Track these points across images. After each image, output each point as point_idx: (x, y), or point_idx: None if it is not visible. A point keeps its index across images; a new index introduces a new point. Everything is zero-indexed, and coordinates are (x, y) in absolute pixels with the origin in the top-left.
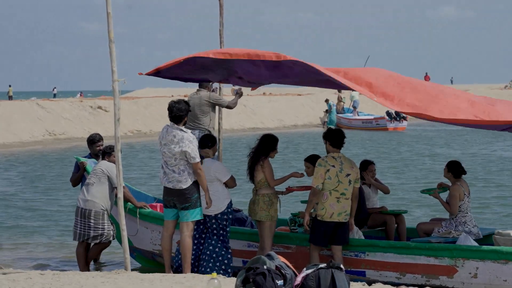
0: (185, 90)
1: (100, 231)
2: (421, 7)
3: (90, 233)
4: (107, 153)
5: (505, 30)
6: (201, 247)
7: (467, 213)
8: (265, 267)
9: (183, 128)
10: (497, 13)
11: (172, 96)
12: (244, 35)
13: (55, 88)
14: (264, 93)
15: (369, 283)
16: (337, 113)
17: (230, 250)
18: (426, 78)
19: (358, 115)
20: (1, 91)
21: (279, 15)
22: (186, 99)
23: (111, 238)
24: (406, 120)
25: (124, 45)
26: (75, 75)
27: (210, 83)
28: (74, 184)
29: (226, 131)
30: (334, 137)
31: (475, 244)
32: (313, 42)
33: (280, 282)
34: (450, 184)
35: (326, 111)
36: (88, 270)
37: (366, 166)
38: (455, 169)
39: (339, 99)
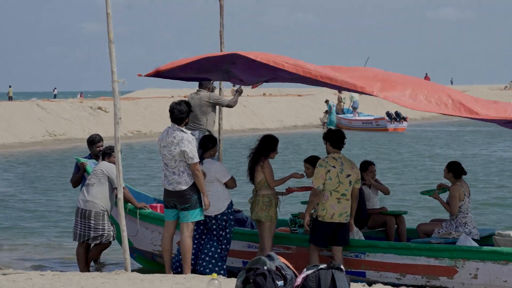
0: (185, 91)
1: (100, 232)
2: (421, 7)
3: (90, 234)
4: (107, 153)
5: (505, 30)
6: (201, 248)
7: (468, 214)
8: (265, 267)
9: (183, 129)
10: (497, 14)
11: (172, 96)
12: (244, 36)
13: (55, 88)
14: (264, 94)
15: (369, 284)
16: (337, 113)
17: (226, 252)
18: (426, 78)
19: (358, 116)
20: (1, 91)
21: (279, 16)
22: (185, 99)
23: (111, 239)
24: (406, 121)
25: (124, 45)
26: (75, 75)
27: (211, 82)
28: (74, 185)
29: (226, 131)
30: (334, 138)
31: (475, 245)
32: (313, 42)
33: (280, 283)
34: (450, 185)
35: (326, 112)
36: (88, 270)
37: (366, 166)
38: (455, 170)
39: (339, 100)
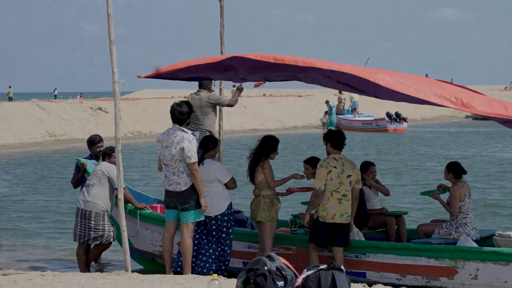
0: (185, 91)
1: (100, 232)
2: (422, 8)
3: (91, 234)
4: (107, 154)
5: (505, 31)
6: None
7: (468, 214)
8: (265, 268)
9: (184, 128)
10: (497, 15)
11: (172, 97)
12: (244, 36)
13: (56, 89)
14: (264, 94)
15: (370, 284)
16: (337, 114)
17: (228, 252)
18: None
19: (358, 116)
20: (1, 92)
21: (279, 16)
22: (186, 100)
23: (111, 239)
24: (406, 122)
25: (124, 46)
26: (76, 76)
27: (212, 82)
28: (75, 185)
29: (226, 132)
30: (335, 139)
31: (476, 245)
32: (314, 43)
33: (280, 283)
34: (450, 185)
35: (326, 113)
36: (89, 271)
37: (367, 167)
38: (455, 170)
39: (339, 100)
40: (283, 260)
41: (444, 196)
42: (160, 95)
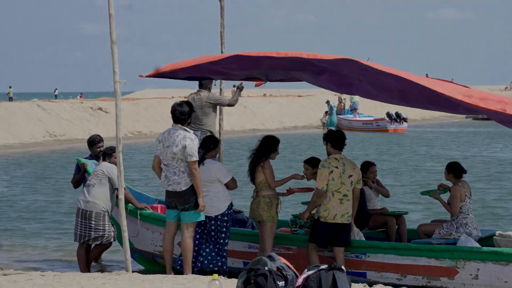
0: (185, 91)
1: (101, 233)
2: (422, 8)
3: (91, 234)
4: (107, 154)
5: (506, 32)
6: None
7: (468, 214)
8: (266, 268)
9: (186, 128)
10: (498, 15)
11: (173, 97)
12: (244, 37)
13: (56, 89)
14: (264, 95)
15: (370, 285)
16: (338, 114)
17: (225, 254)
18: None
19: (359, 116)
20: (2, 92)
21: (279, 17)
22: (186, 100)
23: (111, 239)
24: (406, 122)
25: (124, 46)
26: (76, 76)
27: (212, 81)
28: (75, 185)
29: (226, 132)
30: (335, 139)
31: (476, 245)
32: (314, 43)
33: (281, 283)
34: (451, 185)
35: (326, 113)
36: (89, 271)
37: (367, 167)
38: (455, 170)
39: (340, 100)
40: (283, 260)
41: (445, 196)
42: (161, 95)
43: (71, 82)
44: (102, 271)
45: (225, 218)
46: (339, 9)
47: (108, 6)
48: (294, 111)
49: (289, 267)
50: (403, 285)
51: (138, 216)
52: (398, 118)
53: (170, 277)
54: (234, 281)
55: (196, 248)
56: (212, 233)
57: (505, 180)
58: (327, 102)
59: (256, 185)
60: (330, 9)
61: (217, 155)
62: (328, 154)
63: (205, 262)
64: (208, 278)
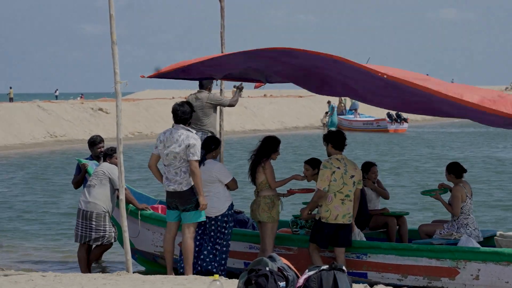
0: (185, 92)
1: (101, 233)
2: (422, 8)
3: (92, 235)
4: (108, 155)
5: (506, 32)
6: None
7: (469, 215)
8: (267, 268)
9: (189, 128)
10: (498, 15)
11: (173, 98)
12: (245, 37)
13: (57, 90)
14: (265, 95)
15: (371, 285)
16: (338, 114)
17: (224, 255)
18: None
19: (359, 117)
20: (2, 93)
21: (279, 17)
22: (186, 100)
23: (112, 240)
24: (407, 122)
25: (125, 46)
26: (77, 77)
27: (212, 82)
28: (76, 186)
29: (227, 132)
30: (336, 139)
31: (477, 245)
32: (314, 43)
33: (282, 284)
34: (452, 185)
35: (326, 113)
36: (90, 272)
37: (369, 168)
38: (455, 170)
39: (340, 101)
40: (284, 260)
41: (445, 196)
42: (161, 96)
43: (71, 82)
44: (103, 271)
45: (225, 219)
46: (339, 9)
47: (108, 7)
48: (294, 111)
49: (290, 267)
50: (404, 286)
51: (139, 217)
52: (399, 118)
53: (170, 277)
54: (235, 282)
55: (197, 249)
56: (212, 234)
57: (506, 180)
58: (328, 102)
59: (256, 186)
60: (330, 9)
61: (218, 155)
62: (329, 154)
63: (203, 264)
64: (209, 278)
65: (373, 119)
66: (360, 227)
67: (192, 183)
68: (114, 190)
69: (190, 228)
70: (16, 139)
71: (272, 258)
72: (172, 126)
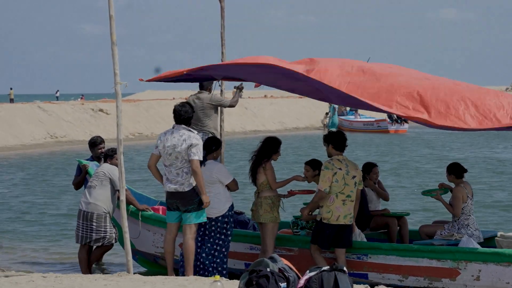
0: (186, 93)
1: (102, 234)
2: (422, 9)
3: (93, 236)
4: (109, 155)
5: (507, 32)
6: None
7: (470, 215)
8: (268, 269)
9: (190, 128)
10: (498, 15)
11: (174, 98)
12: (245, 37)
13: (58, 91)
14: (265, 96)
15: (372, 286)
16: (339, 115)
17: (224, 256)
18: None
19: (360, 117)
20: (3, 93)
21: (280, 17)
22: (186, 101)
23: (113, 241)
24: (407, 123)
25: (125, 47)
26: (77, 77)
27: (212, 82)
28: (76, 187)
29: (227, 133)
30: (337, 140)
31: (478, 246)
32: (314, 44)
33: (283, 285)
34: (453, 185)
35: (327, 114)
36: (90, 272)
37: (370, 168)
38: (456, 170)
39: None
40: (285, 261)
41: (446, 197)
42: (161, 97)
43: (72, 83)
44: (103, 272)
45: (225, 219)
46: (340, 10)
47: (108, 7)
48: (295, 112)
49: (291, 268)
50: (405, 287)
51: (140, 218)
52: (399, 119)
53: (171, 278)
54: (235, 283)
55: (199, 250)
56: (212, 235)
57: (507, 181)
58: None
59: (257, 187)
60: (331, 10)
61: (219, 156)
62: (329, 155)
63: (204, 264)
64: (209, 279)
65: (373, 119)
66: (360, 227)
67: (194, 184)
68: (114, 191)
69: (191, 228)
70: (16, 140)
71: (273, 259)
72: (173, 127)
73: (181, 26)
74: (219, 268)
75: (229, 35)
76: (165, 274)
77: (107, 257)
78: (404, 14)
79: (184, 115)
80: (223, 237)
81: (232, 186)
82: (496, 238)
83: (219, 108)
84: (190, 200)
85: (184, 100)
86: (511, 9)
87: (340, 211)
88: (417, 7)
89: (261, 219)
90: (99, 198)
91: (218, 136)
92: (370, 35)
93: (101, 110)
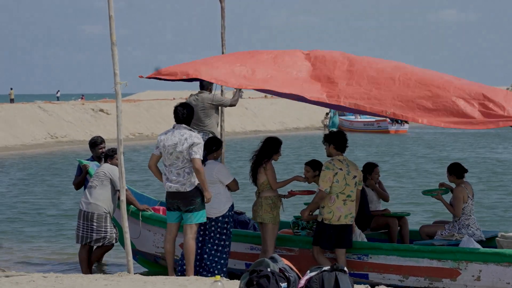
0: (186, 93)
1: (102, 234)
2: (422, 9)
3: (93, 236)
4: (109, 155)
5: (506, 32)
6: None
7: (471, 215)
8: (269, 269)
9: (190, 128)
10: (499, 16)
11: (174, 98)
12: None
13: (58, 91)
14: (265, 96)
15: (372, 286)
16: (339, 115)
17: (225, 256)
18: None
19: (360, 117)
20: (3, 94)
21: (280, 18)
22: (186, 101)
23: (113, 241)
24: (408, 123)
25: (125, 47)
26: (78, 78)
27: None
28: (77, 187)
29: (227, 133)
30: (338, 140)
31: (478, 246)
32: (314, 44)
33: (284, 285)
34: (453, 185)
35: (327, 114)
36: (91, 273)
37: (372, 168)
38: (456, 171)
39: None
40: (286, 261)
41: (447, 197)
42: (162, 97)
43: (72, 83)
44: (104, 272)
45: (226, 220)
46: (340, 10)
47: (108, 8)
48: (295, 112)
49: (291, 268)
50: (405, 287)
51: (140, 218)
52: (399, 119)
53: (172, 278)
54: (236, 283)
55: (199, 251)
56: (212, 235)
57: (507, 181)
58: None
59: (258, 187)
60: (331, 10)
61: (219, 156)
62: (329, 155)
63: (204, 265)
64: (210, 279)
65: (373, 119)
66: (361, 228)
67: (196, 184)
68: (115, 191)
69: (192, 228)
70: (17, 140)
71: (273, 259)
72: (173, 127)
73: (181, 26)
74: (220, 268)
75: (229, 35)
76: (166, 274)
77: (107, 257)
78: (404, 14)
79: (183, 115)
80: (223, 237)
81: (233, 186)
82: (496, 238)
83: (219, 108)
84: (191, 200)
85: (185, 100)
86: (511, 9)
87: (341, 211)
88: (418, 8)
89: (262, 219)
90: (99, 198)
91: (218, 136)
92: (370, 35)
93: (101, 110)
